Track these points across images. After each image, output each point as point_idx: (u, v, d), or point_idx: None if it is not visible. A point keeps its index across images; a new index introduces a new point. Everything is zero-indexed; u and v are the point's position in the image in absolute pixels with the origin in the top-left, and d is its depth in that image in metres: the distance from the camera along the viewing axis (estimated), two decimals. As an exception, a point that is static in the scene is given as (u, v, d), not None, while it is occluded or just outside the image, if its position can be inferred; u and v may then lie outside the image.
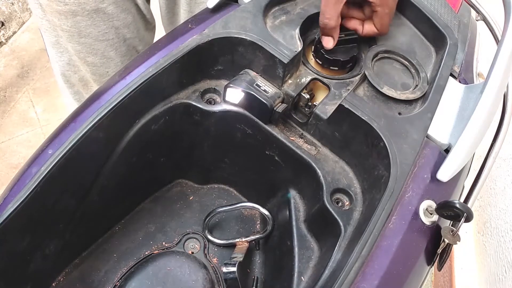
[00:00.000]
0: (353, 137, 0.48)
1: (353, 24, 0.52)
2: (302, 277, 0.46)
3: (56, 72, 0.82)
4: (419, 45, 0.55)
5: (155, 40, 0.86)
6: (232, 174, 0.62)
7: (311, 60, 0.53)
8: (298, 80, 0.50)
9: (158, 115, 0.50)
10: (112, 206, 0.55)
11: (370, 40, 0.54)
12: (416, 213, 0.42)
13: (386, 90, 0.48)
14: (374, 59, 0.51)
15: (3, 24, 1.80)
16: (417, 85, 0.50)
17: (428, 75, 0.51)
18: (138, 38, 0.79)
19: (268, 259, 0.56)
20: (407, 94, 0.49)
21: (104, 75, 0.79)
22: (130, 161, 0.51)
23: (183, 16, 0.79)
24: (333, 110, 0.46)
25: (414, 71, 0.51)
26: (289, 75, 0.50)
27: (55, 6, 0.67)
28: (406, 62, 0.52)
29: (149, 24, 0.81)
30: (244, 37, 0.48)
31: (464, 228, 1.14)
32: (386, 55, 0.52)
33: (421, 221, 0.42)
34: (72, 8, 0.67)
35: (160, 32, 0.79)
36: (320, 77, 0.50)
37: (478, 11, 0.63)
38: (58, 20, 0.69)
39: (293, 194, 0.54)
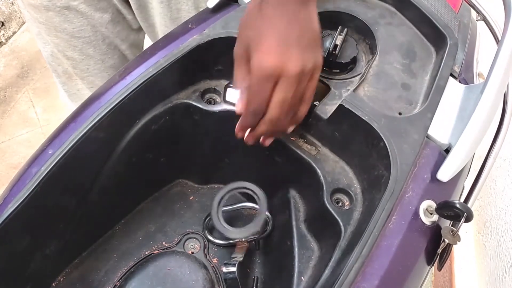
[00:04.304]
0: (353, 137, 0.48)
1: None
2: (302, 277, 0.46)
3: (47, 62, 0.82)
4: (419, 45, 0.55)
5: (145, 42, 0.85)
6: (232, 174, 0.62)
7: (311, 60, 0.52)
8: (298, 80, 0.50)
9: (158, 115, 0.50)
10: (112, 206, 0.55)
11: (370, 44, 0.54)
12: (416, 213, 0.42)
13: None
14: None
15: (3, 24, 1.80)
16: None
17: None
18: (119, 38, 0.77)
19: (268, 259, 0.56)
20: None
21: (85, 71, 0.78)
22: (130, 161, 0.51)
23: (160, 29, 0.75)
24: (333, 110, 0.46)
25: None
26: (289, 75, 0.50)
27: None
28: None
29: (132, 25, 0.79)
30: (244, 37, 0.48)
31: (464, 228, 1.14)
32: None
33: (421, 221, 0.42)
34: (43, 3, 0.67)
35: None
36: (320, 77, 0.50)
37: (478, 11, 0.62)
38: (35, 13, 0.70)
39: (293, 194, 0.54)
